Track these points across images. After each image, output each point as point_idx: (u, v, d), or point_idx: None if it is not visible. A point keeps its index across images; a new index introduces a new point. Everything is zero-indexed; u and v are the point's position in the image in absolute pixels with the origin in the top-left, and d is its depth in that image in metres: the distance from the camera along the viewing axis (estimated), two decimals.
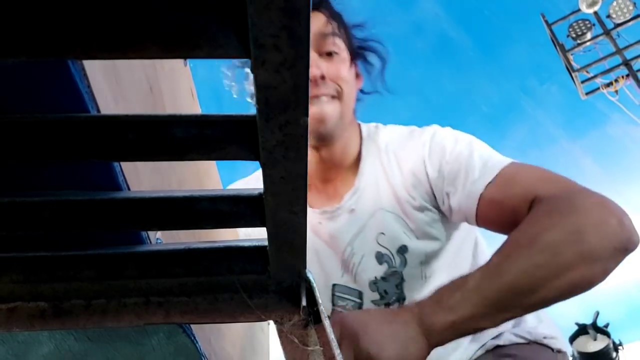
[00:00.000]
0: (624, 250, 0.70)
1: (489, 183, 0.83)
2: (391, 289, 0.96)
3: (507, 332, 0.96)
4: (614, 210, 0.71)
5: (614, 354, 4.00)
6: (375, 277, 0.97)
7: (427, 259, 0.96)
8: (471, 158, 0.89)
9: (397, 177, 0.97)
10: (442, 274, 0.97)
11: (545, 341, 0.97)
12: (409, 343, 0.65)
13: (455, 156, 0.91)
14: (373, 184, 0.98)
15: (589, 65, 5.27)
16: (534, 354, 0.94)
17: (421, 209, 0.95)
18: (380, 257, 0.96)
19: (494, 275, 0.67)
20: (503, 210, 0.82)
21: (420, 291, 0.95)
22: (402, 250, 0.95)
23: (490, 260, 0.70)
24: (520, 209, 0.78)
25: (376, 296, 0.97)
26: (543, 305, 0.70)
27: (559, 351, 0.97)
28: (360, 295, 0.98)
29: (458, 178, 0.89)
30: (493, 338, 0.96)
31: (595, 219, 0.69)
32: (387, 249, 0.96)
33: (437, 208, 0.95)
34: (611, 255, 0.69)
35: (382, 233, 0.96)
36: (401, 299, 0.96)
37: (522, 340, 0.96)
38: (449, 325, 0.66)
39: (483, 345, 0.96)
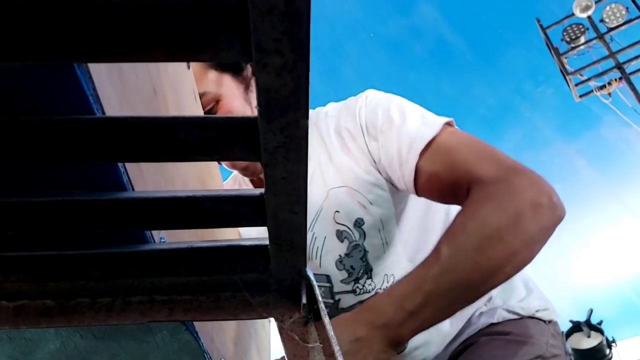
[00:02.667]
0: (555, 226, 0.73)
1: (423, 151, 0.84)
2: (357, 262, 0.96)
3: (500, 308, 0.97)
4: (545, 189, 0.74)
5: (608, 351, 4.00)
6: (340, 256, 0.96)
7: (385, 224, 0.95)
8: (403, 121, 0.89)
9: (339, 148, 0.96)
10: (405, 236, 0.96)
11: (538, 314, 0.97)
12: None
13: (388, 122, 0.90)
14: (321, 166, 0.98)
15: (582, 68, 5.27)
16: (528, 329, 0.94)
17: (368, 172, 0.94)
18: (340, 235, 0.95)
19: (450, 271, 0.68)
20: (442, 186, 0.83)
21: (385, 258, 0.95)
22: (359, 223, 0.94)
23: (443, 252, 0.69)
24: (460, 187, 0.80)
25: (344, 274, 0.97)
26: (490, 290, 0.73)
27: (551, 322, 0.98)
28: (328, 278, 0.98)
29: (391, 147, 0.88)
30: (486, 317, 0.96)
31: (530, 201, 0.72)
32: (344, 225, 0.95)
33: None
34: (546, 234, 0.73)
35: (337, 211, 0.95)
36: (368, 270, 0.96)
37: (514, 316, 0.96)
38: (414, 329, 0.67)
39: (476, 325, 0.96)
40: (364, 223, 0.95)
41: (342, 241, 0.96)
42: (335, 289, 0.99)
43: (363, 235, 0.95)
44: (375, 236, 0.95)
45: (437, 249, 0.71)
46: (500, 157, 0.82)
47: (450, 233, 0.73)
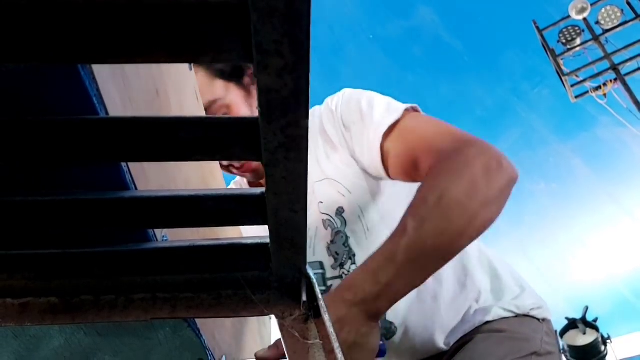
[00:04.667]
0: (509, 186, 0.79)
1: (387, 132, 0.90)
2: (340, 248, 1.01)
3: (495, 306, 0.98)
4: (494, 154, 0.80)
5: (603, 348, 4.00)
6: (327, 243, 1.02)
7: (364, 211, 1.00)
8: (371, 110, 0.95)
9: (321, 143, 1.03)
10: (383, 223, 1.00)
11: (532, 312, 0.99)
12: (354, 332, 0.69)
13: (359, 113, 0.97)
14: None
15: (578, 69, 5.26)
16: (522, 327, 0.96)
17: (346, 163, 1.00)
18: (325, 224, 1.02)
19: (417, 241, 0.72)
20: (406, 164, 0.90)
21: (366, 244, 1.00)
22: (340, 211, 1.00)
23: (408, 224, 0.73)
24: (421, 163, 0.86)
25: (332, 260, 1.02)
26: (460, 251, 0.77)
27: (544, 320, 1.00)
28: (321, 265, 1.03)
29: (362, 135, 0.95)
30: (481, 314, 0.97)
31: (481, 167, 0.77)
32: (327, 214, 1.01)
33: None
34: (501, 195, 0.78)
35: (321, 202, 1.02)
36: (351, 255, 1.01)
37: (509, 314, 0.98)
38: (392, 300, 0.71)
39: (471, 323, 0.97)
40: (344, 211, 1.00)
41: (326, 229, 1.02)
42: (327, 275, 1.03)
43: (344, 222, 1.01)
44: (356, 222, 1.00)
45: (402, 223, 0.75)
46: (454, 132, 0.88)
47: (413, 207, 0.77)
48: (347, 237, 1.00)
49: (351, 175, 0.99)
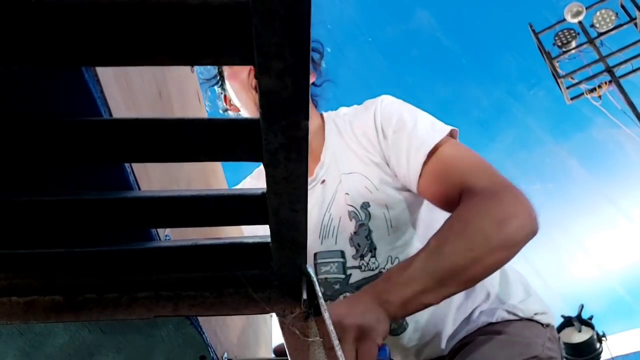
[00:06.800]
0: (531, 236, 0.80)
1: (427, 158, 0.92)
2: (362, 240, 1.02)
3: (499, 309, 0.97)
4: (526, 205, 0.82)
5: (598, 345, 3.99)
6: (351, 233, 1.03)
7: (390, 208, 1.01)
8: (414, 124, 0.96)
9: (353, 141, 1.06)
10: (411, 222, 1.02)
11: (536, 317, 0.98)
12: (366, 313, 0.70)
13: (400, 123, 0.98)
14: (335, 155, 1.07)
15: (573, 72, 5.26)
16: (525, 330, 0.95)
17: (377, 163, 1.01)
18: (350, 215, 1.03)
19: (436, 256, 0.75)
20: (439, 189, 0.92)
21: (389, 240, 1.01)
22: (365, 205, 1.02)
23: (431, 243, 0.77)
24: (453, 192, 0.88)
25: (353, 251, 1.03)
26: (474, 282, 0.80)
27: (548, 325, 0.99)
28: (342, 254, 1.05)
29: (402, 146, 0.96)
30: (485, 316, 0.97)
31: (514, 212, 0.80)
32: (353, 206, 1.03)
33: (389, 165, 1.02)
34: (523, 241, 0.79)
35: (347, 193, 1.03)
36: (372, 248, 1.02)
37: (513, 317, 0.97)
38: (401, 300, 0.72)
39: (475, 323, 0.97)
40: (369, 205, 1.02)
41: (351, 220, 1.03)
42: (348, 264, 1.05)
43: (368, 215, 1.02)
44: (380, 218, 1.01)
45: (427, 243, 0.78)
46: (492, 172, 0.90)
47: (439, 231, 0.79)
48: (370, 231, 1.02)
49: (380, 174, 1.01)
